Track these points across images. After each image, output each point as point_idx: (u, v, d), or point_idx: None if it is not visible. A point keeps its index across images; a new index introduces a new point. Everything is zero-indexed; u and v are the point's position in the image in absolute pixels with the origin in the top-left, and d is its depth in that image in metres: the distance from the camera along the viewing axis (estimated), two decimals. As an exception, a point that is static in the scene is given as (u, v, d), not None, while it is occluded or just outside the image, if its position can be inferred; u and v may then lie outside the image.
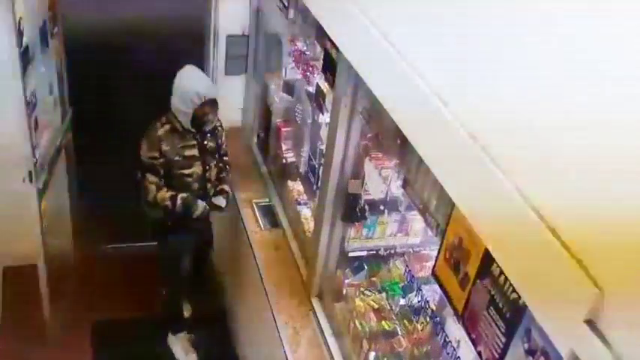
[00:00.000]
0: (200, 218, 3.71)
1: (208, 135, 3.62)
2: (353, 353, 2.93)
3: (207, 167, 3.66)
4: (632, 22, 1.16)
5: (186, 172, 3.57)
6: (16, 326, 4.24)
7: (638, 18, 1.15)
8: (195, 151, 3.56)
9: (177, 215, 3.60)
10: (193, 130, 3.51)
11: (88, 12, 4.16)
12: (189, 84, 3.41)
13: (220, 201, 3.73)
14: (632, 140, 1.15)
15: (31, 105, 3.47)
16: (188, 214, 3.63)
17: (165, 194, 3.53)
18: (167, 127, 3.49)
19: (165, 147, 3.48)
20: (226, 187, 3.78)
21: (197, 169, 3.60)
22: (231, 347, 4.35)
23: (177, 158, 3.53)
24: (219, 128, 3.73)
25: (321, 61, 3.10)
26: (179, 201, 3.55)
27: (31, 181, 3.55)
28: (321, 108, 3.32)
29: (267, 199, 4.04)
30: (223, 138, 3.77)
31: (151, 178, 3.51)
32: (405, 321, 2.70)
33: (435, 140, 1.76)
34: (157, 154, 3.47)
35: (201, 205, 3.63)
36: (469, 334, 1.87)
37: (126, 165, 4.39)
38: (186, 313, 4.30)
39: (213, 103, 3.47)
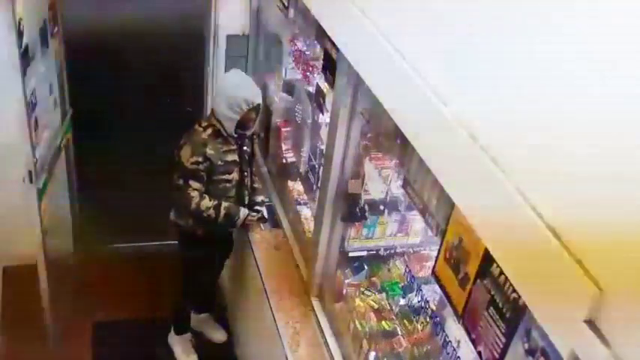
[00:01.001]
0: (229, 229, 3.69)
1: (247, 140, 3.59)
2: (353, 353, 2.93)
3: (245, 173, 3.62)
4: (633, 21, 1.16)
5: (227, 177, 3.50)
6: (16, 326, 4.24)
7: (638, 17, 1.15)
8: (235, 156, 3.50)
9: (216, 225, 3.54)
10: (236, 135, 3.46)
11: (88, 12, 4.16)
12: (237, 90, 3.36)
13: (264, 212, 3.73)
14: (633, 140, 1.15)
15: (31, 105, 3.46)
16: (230, 224, 3.58)
17: (208, 202, 3.44)
18: (209, 130, 3.41)
19: (209, 151, 3.39)
20: (264, 198, 3.78)
21: (236, 174, 3.54)
22: (231, 347, 4.35)
23: (219, 163, 3.44)
24: (257, 135, 3.73)
25: (321, 61, 3.11)
26: (223, 211, 3.48)
27: (31, 181, 3.55)
28: (321, 108, 3.32)
29: (267, 199, 4.04)
30: (257, 146, 3.73)
31: (194, 184, 3.40)
32: (405, 321, 2.70)
33: (435, 140, 1.76)
34: (201, 159, 3.38)
35: (242, 213, 3.58)
36: (469, 334, 1.87)
37: (126, 165, 4.41)
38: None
39: (258, 108, 3.44)
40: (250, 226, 3.71)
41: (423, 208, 2.26)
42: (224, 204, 3.49)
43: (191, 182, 3.39)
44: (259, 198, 3.79)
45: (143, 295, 4.16)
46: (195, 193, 3.41)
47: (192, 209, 3.45)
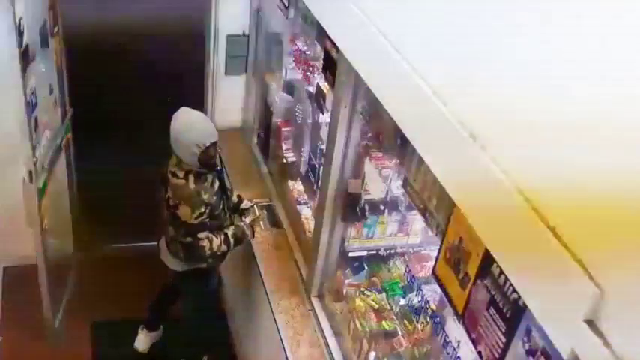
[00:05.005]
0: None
1: None
2: (353, 353, 2.93)
3: (229, 193, 3.57)
4: (629, 21, 1.16)
5: (220, 208, 3.41)
6: (16, 326, 4.25)
7: (634, 18, 1.15)
8: (216, 181, 3.39)
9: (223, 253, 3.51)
10: (206, 170, 3.33)
11: (88, 12, 4.16)
12: (185, 135, 3.18)
13: (255, 209, 3.70)
14: (633, 141, 1.16)
15: (31, 105, 3.46)
16: (241, 244, 3.54)
17: (217, 240, 3.36)
18: (191, 177, 3.25)
19: (205, 196, 3.27)
20: (238, 195, 3.74)
21: (221, 199, 3.44)
22: (231, 347, 4.35)
23: (214, 198, 3.33)
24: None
25: (321, 61, 3.11)
26: (231, 239, 3.42)
27: (31, 181, 3.55)
28: (321, 108, 3.33)
29: (267, 199, 4.04)
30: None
31: (201, 235, 3.31)
32: (405, 321, 2.70)
33: (435, 140, 1.76)
34: (202, 209, 3.26)
35: (244, 226, 3.53)
36: (469, 334, 1.87)
37: (126, 165, 4.41)
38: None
39: (214, 145, 3.25)
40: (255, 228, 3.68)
41: (423, 208, 2.26)
42: (229, 232, 3.43)
43: (199, 235, 3.31)
44: (244, 202, 3.73)
45: (143, 295, 4.16)
46: (205, 242, 3.32)
47: (207, 256, 3.39)
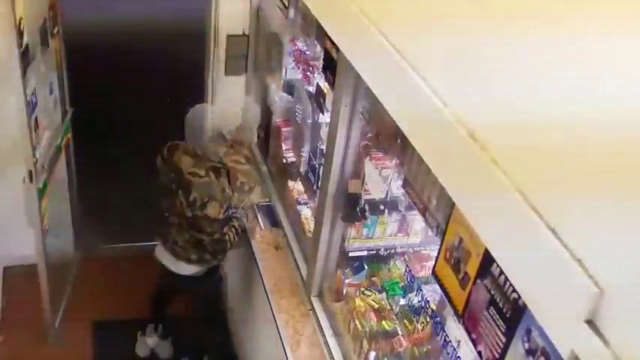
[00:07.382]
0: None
1: None
2: (353, 353, 2.93)
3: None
4: (627, 24, 1.16)
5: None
6: (16, 326, 4.25)
7: (634, 19, 1.15)
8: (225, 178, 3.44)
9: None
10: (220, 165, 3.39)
11: (88, 12, 4.17)
12: (226, 121, 3.27)
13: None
14: (635, 140, 1.16)
15: (31, 105, 3.47)
16: (243, 232, 3.60)
17: (232, 234, 3.42)
18: (212, 174, 3.29)
19: (228, 191, 3.31)
20: None
21: None
22: (231, 347, 4.35)
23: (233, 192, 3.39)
24: None
25: (322, 61, 3.11)
26: (239, 229, 3.48)
27: (31, 181, 3.55)
28: (321, 108, 3.32)
29: (267, 199, 4.04)
30: None
31: (225, 229, 3.37)
32: (405, 321, 2.70)
33: (435, 140, 1.76)
34: (229, 203, 3.32)
35: (245, 214, 3.59)
36: (469, 334, 1.87)
37: (126, 165, 4.41)
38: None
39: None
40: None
41: (423, 208, 2.26)
42: (235, 224, 3.48)
43: (225, 229, 3.36)
44: None
45: (143, 295, 4.16)
46: (226, 236, 3.38)
47: (228, 249, 3.46)
